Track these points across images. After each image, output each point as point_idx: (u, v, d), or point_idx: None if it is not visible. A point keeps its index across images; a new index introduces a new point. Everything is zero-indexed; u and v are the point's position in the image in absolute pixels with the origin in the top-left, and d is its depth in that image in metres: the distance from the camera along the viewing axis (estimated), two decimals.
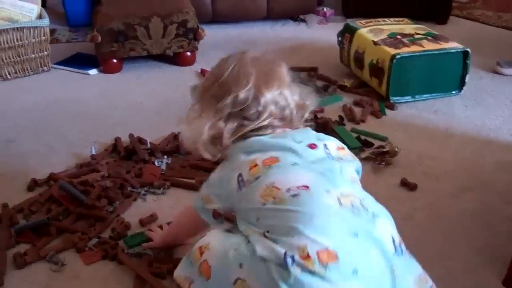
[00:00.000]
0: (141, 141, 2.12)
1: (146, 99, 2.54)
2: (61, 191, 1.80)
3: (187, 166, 1.99)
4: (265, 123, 1.26)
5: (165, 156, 2.03)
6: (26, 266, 1.54)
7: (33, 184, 1.88)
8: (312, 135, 1.30)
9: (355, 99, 2.50)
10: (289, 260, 1.05)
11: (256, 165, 1.20)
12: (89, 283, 1.50)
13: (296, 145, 1.23)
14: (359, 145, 2.11)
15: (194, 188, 1.87)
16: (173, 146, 2.09)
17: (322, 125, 2.24)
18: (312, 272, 1.04)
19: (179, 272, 1.28)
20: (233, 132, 1.26)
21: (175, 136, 2.18)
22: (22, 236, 1.64)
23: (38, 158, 2.08)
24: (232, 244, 1.16)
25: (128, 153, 2.05)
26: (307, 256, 1.05)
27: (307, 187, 1.14)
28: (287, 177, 1.17)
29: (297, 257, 1.05)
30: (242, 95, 1.25)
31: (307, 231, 1.08)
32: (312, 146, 1.25)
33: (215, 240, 1.22)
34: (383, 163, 1.99)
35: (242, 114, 1.26)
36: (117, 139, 2.13)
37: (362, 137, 2.17)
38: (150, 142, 2.11)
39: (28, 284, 1.49)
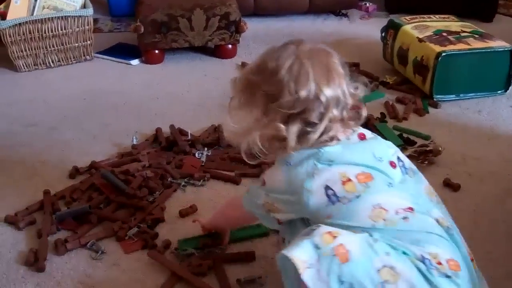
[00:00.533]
0: (182, 132, 2.13)
1: (187, 91, 2.54)
2: (102, 179, 1.81)
3: (227, 158, 1.98)
4: (328, 126, 1.16)
5: (206, 148, 2.03)
6: (66, 253, 1.56)
7: (75, 172, 1.90)
8: (384, 147, 1.25)
9: (397, 96, 2.46)
10: (427, 261, 1.06)
11: (349, 180, 1.13)
12: (128, 272, 1.50)
13: (381, 164, 1.18)
14: (401, 143, 2.08)
15: (234, 180, 1.87)
16: (213, 138, 2.09)
17: (364, 122, 2.20)
18: (448, 276, 1.05)
19: (298, 255, 1.08)
20: (297, 136, 1.15)
21: (215, 128, 2.17)
22: (63, 223, 1.66)
23: (80, 146, 2.10)
24: (365, 236, 1.10)
25: (169, 144, 2.05)
26: (439, 263, 1.06)
27: (411, 209, 1.13)
28: (390, 199, 1.13)
29: (432, 261, 1.06)
30: (303, 94, 1.14)
31: (428, 244, 1.09)
32: (393, 165, 1.20)
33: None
34: (426, 162, 1.95)
35: (303, 116, 1.14)
36: (158, 130, 2.14)
37: (405, 135, 2.13)
38: (191, 134, 2.11)
39: (68, 270, 1.51)
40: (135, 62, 2.82)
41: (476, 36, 2.49)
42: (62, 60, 2.78)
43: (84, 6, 2.79)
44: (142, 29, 2.71)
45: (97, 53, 2.89)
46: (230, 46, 2.86)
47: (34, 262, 1.52)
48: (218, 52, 2.87)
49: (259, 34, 3.17)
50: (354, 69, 2.73)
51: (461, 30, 2.57)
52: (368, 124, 2.19)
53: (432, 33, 2.52)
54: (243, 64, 2.77)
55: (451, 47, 2.38)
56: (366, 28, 3.28)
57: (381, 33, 2.75)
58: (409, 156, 1.96)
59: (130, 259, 1.55)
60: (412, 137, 2.11)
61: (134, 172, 1.86)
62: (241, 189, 1.85)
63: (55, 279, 1.48)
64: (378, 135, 2.12)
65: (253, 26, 3.16)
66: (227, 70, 2.75)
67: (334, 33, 3.24)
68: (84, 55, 2.83)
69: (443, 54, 2.32)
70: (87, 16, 2.74)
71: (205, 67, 2.79)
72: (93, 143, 2.12)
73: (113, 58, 2.86)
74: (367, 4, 3.58)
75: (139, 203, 1.73)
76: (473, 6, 3.36)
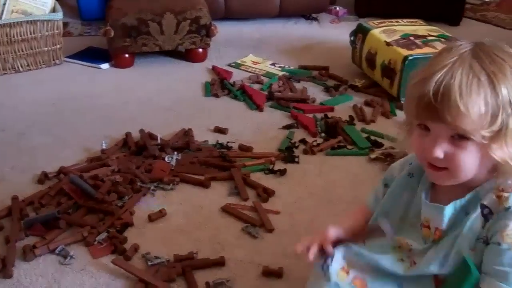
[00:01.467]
0: (151, 136, 2.13)
1: (157, 95, 2.55)
2: (71, 184, 1.81)
3: (196, 162, 1.99)
4: None
5: (175, 152, 2.03)
6: (35, 258, 1.56)
7: (44, 177, 1.90)
8: None
9: (365, 99, 2.49)
10: None
11: None
12: (96, 277, 1.51)
13: None
14: (369, 145, 2.11)
15: (203, 184, 1.88)
16: (183, 142, 2.10)
17: (332, 125, 2.24)
18: None
19: None
20: None
21: (185, 132, 2.18)
22: (32, 229, 1.65)
23: (49, 151, 2.09)
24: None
25: (139, 149, 2.06)
26: None
27: None
28: None
29: None
30: None
31: None
32: None
33: None
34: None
35: None
36: (128, 134, 2.14)
37: (372, 138, 2.17)
38: (161, 138, 2.12)
39: (36, 276, 1.51)
40: (105, 66, 2.81)
41: (443, 39, 2.54)
42: (31, 65, 2.77)
43: (53, 10, 2.78)
44: (112, 33, 2.70)
45: (66, 57, 2.88)
46: (200, 50, 2.87)
47: (2, 268, 1.51)
48: (188, 56, 2.88)
49: (230, 38, 3.18)
50: (324, 72, 2.76)
51: (428, 34, 2.62)
52: (336, 126, 2.22)
53: (400, 37, 2.56)
54: (214, 68, 2.79)
55: (418, 50, 2.42)
56: (336, 32, 3.32)
57: (350, 37, 2.78)
58: (376, 158, 2.03)
59: (99, 264, 1.55)
60: (379, 140, 2.15)
61: (103, 177, 1.86)
62: (210, 192, 1.86)
63: (23, 285, 1.48)
64: (346, 137, 2.17)
65: (224, 30, 3.18)
66: (198, 74, 2.76)
67: (304, 37, 3.27)
68: (53, 59, 2.81)
69: (410, 57, 2.37)
70: (57, 20, 2.73)
71: (175, 71, 2.80)
72: (62, 148, 2.11)
73: (83, 62, 2.85)
74: (337, 8, 3.62)
75: (108, 208, 1.73)
76: (440, 10, 3.42)
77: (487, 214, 1.06)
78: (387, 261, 1.16)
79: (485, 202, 1.06)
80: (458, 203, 1.08)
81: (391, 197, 1.22)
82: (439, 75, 0.98)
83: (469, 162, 1.02)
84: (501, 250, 1.03)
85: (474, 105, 0.96)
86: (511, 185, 1.05)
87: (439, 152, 1.01)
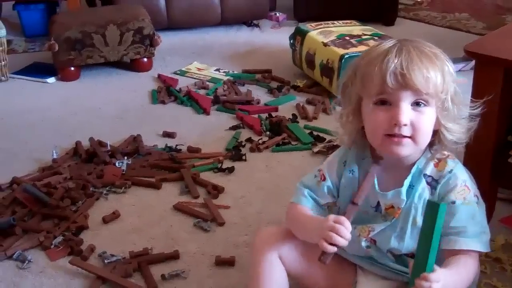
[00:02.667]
0: (101, 144, 2.18)
1: (105, 105, 2.60)
2: (24, 193, 1.85)
3: (147, 166, 2.06)
4: None
5: (125, 157, 2.09)
6: None
7: None
8: None
9: (307, 98, 2.60)
10: None
11: None
12: (55, 278, 1.56)
13: None
14: (312, 140, 2.21)
15: (154, 186, 1.94)
16: (132, 148, 2.16)
17: (276, 123, 2.33)
18: None
19: None
20: None
21: (134, 138, 2.24)
22: None
23: (0, 164, 2.12)
24: None
25: (89, 156, 2.11)
26: None
27: None
28: None
29: None
30: None
31: None
32: None
33: None
34: None
35: None
36: (78, 143, 2.19)
37: (315, 133, 2.27)
38: (110, 145, 2.17)
39: None
40: (51, 80, 2.85)
41: (376, 38, 2.67)
42: None
43: None
44: (57, 47, 2.74)
45: (12, 73, 2.90)
46: (145, 59, 2.93)
47: None
48: (134, 66, 2.94)
49: (174, 47, 3.26)
50: (267, 75, 2.86)
51: (363, 33, 2.75)
52: (280, 125, 2.32)
53: (336, 38, 2.68)
54: (160, 76, 2.86)
55: (353, 49, 2.54)
56: (277, 37, 3.42)
57: (290, 40, 2.89)
58: (319, 152, 2.13)
59: (57, 266, 1.60)
60: (321, 134, 2.25)
61: (56, 184, 1.91)
62: (162, 193, 1.93)
63: None
64: (291, 134, 2.27)
65: (168, 40, 3.25)
66: (144, 83, 2.82)
67: (247, 43, 3.37)
68: None
69: (346, 56, 2.49)
70: (0, 37, 2.75)
71: (121, 81, 2.85)
72: (13, 161, 2.14)
73: (29, 78, 2.88)
74: (277, 14, 3.73)
75: (62, 213, 1.78)
76: (375, 11, 3.56)
77: (431, 182, 1.19)
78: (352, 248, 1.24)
79: (427, 172, 1.19)
80: (409, 180, 1.19)
81: (343, 197, 1.28)
82: (394, 51, 1.12)
83: (429, 126, 1.15)
84: (456, 207, 1.16)
85: (433, 71, 1.11)
86: (444, 154, 1.20)
87: (405, 118, 1.12)
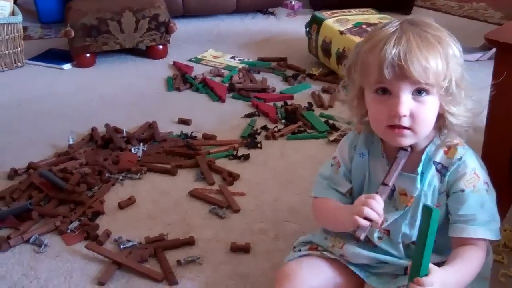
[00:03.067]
0: (117, 130, 2.19)
1: (121, 92, 2.60)
2: (41, 178, 1.86)
3: (162, 152, 2.06)
4: None
5: (141, 144, 2.10)
6: (10, 249, 1.60)
7: (13, 174, 1.94)
8: None
9: (323, 86, 2.59)
10: None
11: None
12: (71, 262, 1.56)
13: None
14: (328, 128, 2.20)
15: (170, 172, 1.94)
16: (148, 134, 2.17)
17: (292, 111, 2.33)
18: None
19: None
20: None
21: (150, 125, 2.25)
22: (5, 222, 1.70)
23: (17, 150, 2.13)
24: None
25: (105, 142, 2.11)
26: None
27: None
28: None
29: None
30: None
31: None
32: None
33: None
34: None
35: None
36: (94, 129, 2.20)
37: (330, 122, 2.26)
38: (126, 131, 2.18)
39: (12, 265, 1.56)
40: (67, 66, 2.85)
41: None
42: None
43: (12, 14, 2.80)
44: (73, 34, 2.75)
45: (28, 59, 2.91)
46: (161, 46, 2.93)
47: None
48: (149, 53, 2.94)
49: (189, 34, 3.26)
50: (282, 63, 2.85)
51: (379, 22, 2.72)
52: (296, 113, 2.31)
53: (352, 26, 2.67)
54: (175, 64, 2.85)
55: None
56: (292, 25, 3.41)
57: (306, 28, 2.88)
58: (334, 140, 2.12)
59: (73, 250, 1.61)
60: (337, 123, 2.24)
61: (72, 169, 1.92)
62: (177, 179, 1.93)
63: None
64: (306, 122, 2.26)
65: (183, 27, 3.25)
66: (159, 70, 2.82)
67: (262, 31, 3.36)
68: (15, 62, 2.84)
69: None
70: (16, 23, 2.76)
71: (137, 68, 2.85)
72: (29, 146, 2.15)
73: (45, 64, 2.89)
74: (293, 2, 3.71)
75: (78, 198, 1.78)
76: (391, 0, 3.54)
77: (441, 169, 1.18)
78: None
79: (437, 159, 1.18)
80: (420, 168, 1.18)
81: (355, 181, 1.28)
82: (394, 39, 1.08)
83: (430, 116, 1.13)
84: (465, 195, 1.16)
85: (433, 59, 1.08)
86: (453, 141, 1.18)
87: (405, 109, 1.10)
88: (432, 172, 1.18)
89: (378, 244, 1.23)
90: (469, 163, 1.17)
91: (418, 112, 1.11)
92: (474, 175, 1.17)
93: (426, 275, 1.04)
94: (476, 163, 1.19)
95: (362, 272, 1.25)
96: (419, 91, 1.11)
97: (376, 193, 1.17)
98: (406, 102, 1.10)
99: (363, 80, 1.15)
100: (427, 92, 1.11)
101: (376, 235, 1.23)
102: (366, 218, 1.12)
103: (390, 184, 1.17)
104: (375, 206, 1.13)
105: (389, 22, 1.15)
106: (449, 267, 1.12)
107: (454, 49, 1.13)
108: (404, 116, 1.11)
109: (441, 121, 1.16)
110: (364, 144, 1.25)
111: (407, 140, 1.14)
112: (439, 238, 1.15)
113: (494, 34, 1.47)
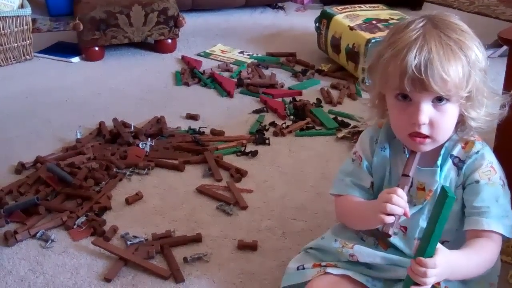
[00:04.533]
0: (125, 124, 2.18)
1: (129, 86, 2.59)
2: (48, 172, 1.85)
3: (170, 147, 2.05)
4: None
5: (149, 139, 2.09)
6: (17, 244, 1.60)
7: (21, 167, 1.94)
8: None
9: (332, 82, 2.57)
10: None
11: None
12: (78, 258, 1.56)
13: None
14: (336, 125, 2.19)
15: (178, 168, 1.94)
16: (156, 129, 2.16)
17: (300, 107, 2.31)
18: None
19: None
20: None
21: (158, 120, 2.24)
22: (12, 216, 1.70)
23: (24, 143, 2.13)
24: None
25: (113, 137, 2.11)
26: None
27: None
28: None
29: None
30: None
31: None
32: None
33: None
34: None
35: None
36: (101, 123, 2.19)
37: (339, 118, 2.25)
38: (134, 126, 2.17)
39: (19, 260, 1.55)
40: (75, 59, 2.85)
41: None
42: (2, 61, 2.78)
43: (21, 6, 2.80)
44: (81, 27, 2.74)
45: (37, 52, 2.90)
46: (169, 40, 2.92)
47: None
48: (158, 47, 2.93)
49: (198, 29, 3.24)
50: (291, 58, 2.84)
51: (390, 17, 2.71)
52: (304, 109, 2.30)
53: (362, 22, 2.64)
54: (184, 58, 2.84)
55: (380, 34, 2.50)
56: (301, 20, 3.39)
57: (315, 23, 2.86)
58: (343, 137, 2.11)
59: (79, 246, 1.61)
60: (346, 120, 2.23)
61: (79, 164, 1.91)
62: (185, 175, 1.92)
63: (6, 269, 1.52)
64: (315, 119, 2.24)
65: (192, 21, 3.23)
66: (168, 64, 2.81)
67: (271, 25, 3.34)
68: (24, 55, 2.84)
69: (373, 40, 2.45)
70: (25, 16, 2.76)
71: (145, 62, 2.84)
72: (37, 139, 2.15)
73: (54, 57, 2.88)
74: None
75: (85, 193, 1.78)
76: None
77: (458, 163, 1.19)
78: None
79: (454, 153, 1.19)
80: (439, 162, 1.19)
81: (376, 175, 1.27)
82: (415, 49, 1.08)
83: (450, 123, 1.14)
84: (480, 186, 1.16)
85: (454, 70, 1.08)
86: (471, 137, 1.19)
87: (424, 118, 1.11)
88: (449, 165, 1.19)
89: (392, 239, 1.22)
90: (487, 156, 1.19)
91: (437, 120, 1.12)
92: (490, 168, 1.18)
93: (431, 257, 1.04)
94: (493, 158, 1.20)
95: (368, 282, 1.24)
96: (439, 99, 1.11)
97: (398, 186, 1.17)
98: (426, 110, 1.11)
99: (384, 85, 1.16)
100: (448, 100, 1.11)
101: (391, 230, 1.22)
102: (390, 214, 1.13)
103: (411, 174, 1.17)
104: (398, 201, 1.13)
105: (413, 21, 1.13)
106: (460, 252, 1.12)
107: (477, 52, 1.12)
108: (424, 124, 1.11)
109: (461, 121, 1.17)
110: (385, 138, 1.26)
111: (427, 147, 1.16)
112: (453, 240, 1.15)
113: (507, 32, 1.45)
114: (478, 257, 1.14)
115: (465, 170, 1.18)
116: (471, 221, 1.16)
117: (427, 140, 1.14)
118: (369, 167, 1.28)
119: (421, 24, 1.12)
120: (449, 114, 1.13)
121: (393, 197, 1.13)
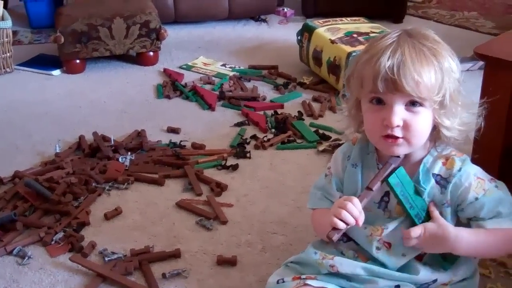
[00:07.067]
0: (105, 138, 2.17)
1: (110, 99, 2.58)
2: (26, 188, 1.83)
3: (150, 161, 2.04)
4: None
5: (129, 153, 2.08)
6: None
7: None
8: None
9: (314, 95, 2.58)
10: None
11: None
12: (55, 274, 1.54)
13: None
14: (317, 138, 2.19)
15: (158, 182, 1.93)
16: (136, 143, 2.15)
17: (282, 121, 2.31)
18: None
19: None
20: None
21: (138, 133, 2.23)
22: None
23: (3, 157, 2.11)
24: None
25: (92, 151, 2.09)
26: None
27: None
28: None
29: None
30: None
31: None
32: None
33: None
34: None
35: None
36: (81, 137, 2.18)
37: (320, 131, 2.25)
38: (114, 140, 2.16)
39: None
40: (56, 72, 2.83)
41: None
42: None
43: (2, 19, 2.78)
44: (62, 40, 2.73)
45: (17, 65, 2.88)
46: (151, 53, 2.91)
47: None
48: (139, 59, 2.92)
49: (181, 41, 3.24)
50: (273, 71, 2.84)
51: (371, 31, 2.72)
52: (286, 122, 2.30)
53: (344, 35, 2.66)
54: (165, 71, 2.83)
55: (361, 47, 2.51)
56: (284, 33, 3.40)
57: (297, 36, 2.87)
58: (324, 150, 2.11)
59: (57, 262, 1.59)
60: (327, 133, 2.23)
61: (58, 179, 1.89)
62: (165, 190, 1.91)
63: None
64: (296, 132, 2.25)
65: (175, 33, 3.24)
66: (149, 77, 2.80)
67: (254, 38, 3.35)
68: (4, 68, 2.82)
69: (353, 53, 2.46)
70: (5, 28, 2.74)
71: (127, 74, 2.83)
72: (16, 154, 2.13)
73: (34, 70, 2.86)
74: (285, 10, 3.71)
75: (64, 209, 1.76)
76: (384, 8, 3.53)
77: (440, 181, 1.20)
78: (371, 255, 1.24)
79: (435, 172, 1.19)
80: (421, 177, 1.20)
81: (346, 192, 1.28)
82: (389, 52, 1.10)
83: (423, 127, 1.15)
84: (480, 201, 1.18)
85: (427, 74, 1.10)
86: (450, 152, 1.20)
87: (397, 119, 1.12)
88: (432, 184, 1.20)
89: (375, 254, 1.23)
90: (470, 170, 1.20)
91: (411, 123, 1.13)
92: (478, 179, 1.20)
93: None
94: (475, 167, 1.21)
95: None
96: (412, 103, 1.12)
97: (358, 196, 1.18)
98: (399, 112, 1.12)
99: (359, 90, 1.17)
100: (421, 104, 1.13)
101: (375, 245, 1.22)
102: (343, 221, 1.15)
103: (374, 188, 1.19)
104: (351, 209, 1.16)
105: (389, 33, 1.17)
106: (468, 229, 1.19)
107: (451, 62, 1.14)
108: (397, 126, 1.13)
109: (436, 133, 1.18)
110: (358, 155, 1.27)
111: (401, 149, 1.16)
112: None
113: (483, 48, 1.47)
114: (488, 237, 1.18)
115: (452, 189, 1.19)
116: (485, 224, 1.19)
117: (400, 141, 1.15)
118: (338, 183, 1.29)
119: (396, 34, 1.15)
120: (423, 117, 1.14)
121: (347, 205, 1.16)
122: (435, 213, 1.19)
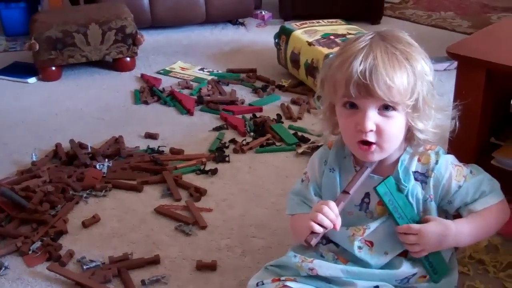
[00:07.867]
0: (81, 145, 2.15)
1: (87, 105, 2.56)
2: (2, 197, 1.81)
3: (128, 168, 2.03)
4: None
5: (106, 160, 2.06)
6: None
7: None
8: None
9: (292, 98, 2.58)
10: None
11: None
12: (33, 284, 1.52)
13: None
14: (296, 140, 2.19)
15: (136, 188, 1.91)
16: (114, 149, 2.13)
17: (260, 124, 2.31)
18: None
19: None
20: None
21: (116, 140, 2.21)
22: None
23: None
24: None
25: (69, 158, 2.07)
26: None
27: None
28: None
29: None
30: None
31: None
32: None
33: None
34: None
35: None
36: (58, 145, 2.15)
37: (299, 133, 2.25)
38: (91, 147, 2.14)
39: None
40: (32, 80, 2.80)
41: None
42: None
43: None
44: (37, 47, 2.70)
45: None
46: (128, 59, 2.89)
47: None
48: (116, 65, 2.90)
49: (159, 46, 3.23)
50: (252, 74, 2.84)
51: (347, 32, 2.73)
52: (265, 125, 2.29)
53: (321, 37, 2.66)
54: (143, 76, 2.82)
55: (338, 49, 2.52)
56: (262, 36, 3.40)
57: (275, 39, 2.87)
58: (303, 152, 2.11)
59: (34, 272, 1.57)
60: (306, 135, 2.23)
61: (35, 188, 1.87)
62: (143, 196, 1.90)
63: None
64: (275, 135, 2.24)
65: (152, 38, 3.22)
66: (126, 82, 2.78)
67: (232, 41, 3.34)
68: None
69: (330, 55, 2.46)
70: None
71: (104, 81, 2.81)
72: None
73: (9, 78, 2.83)
74: (263, 13, 3.71)
75: (41, 218, 1.74)
76: (361, 10, 3.54)
77: (419, 177, 1.20)
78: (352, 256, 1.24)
79: (413, 169, 1.20)
80: (401, 175, 1.20)
81: (325, 197, 1.27)
82: (361, 56, 1.10)
83: (396, 131, 1.15)
84: (464, 188, 1.20)
85: (399, 78, 1.09)
86: (423, 149, 1.21)
87: (371, 124, 1.12)
88: (412, 182, 1.20)
89: (357, 254, 1.22)
90: (446, 160, 1.21)
91: (384, 127, 1.13)
92: (457, 167, 1.21)
93: None
94: (449, 156, 1.23)
95: None
96: (385, 107, 1.12)
97: (335, 200, 1.18)
98: (372, 117, 1.12)
99: (332, 95, 1.17)
100: (394, 108, 1.12)
101: (356, 244, 1.22)
102: (320, 225, 1.15)
103: (351, 192, 1.18)
104: (327, 212, 1.15)
105: (362, 35, 1.16)
106: (463, 219, 1.21)
107: (424, 65, 1.14)
108: (371, 131, 1.12)
109: (410, 135, 1.18)
110: (335, 159, 1.26)
111: (375, 156, 1.16)
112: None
113: (455, 47, 1.48)
114: (484, 218, 1.20)
115: (434, 183, 1.19)
116: (475, 206, 1.21)
117: (373, 147, 1.14)
118: (316, 188, 1.28)
119: (369, 37, 1.15)
120: (396, 122, 1.13)
121: (323, 208, 1.16)
122: (431, 215, 1.20)
